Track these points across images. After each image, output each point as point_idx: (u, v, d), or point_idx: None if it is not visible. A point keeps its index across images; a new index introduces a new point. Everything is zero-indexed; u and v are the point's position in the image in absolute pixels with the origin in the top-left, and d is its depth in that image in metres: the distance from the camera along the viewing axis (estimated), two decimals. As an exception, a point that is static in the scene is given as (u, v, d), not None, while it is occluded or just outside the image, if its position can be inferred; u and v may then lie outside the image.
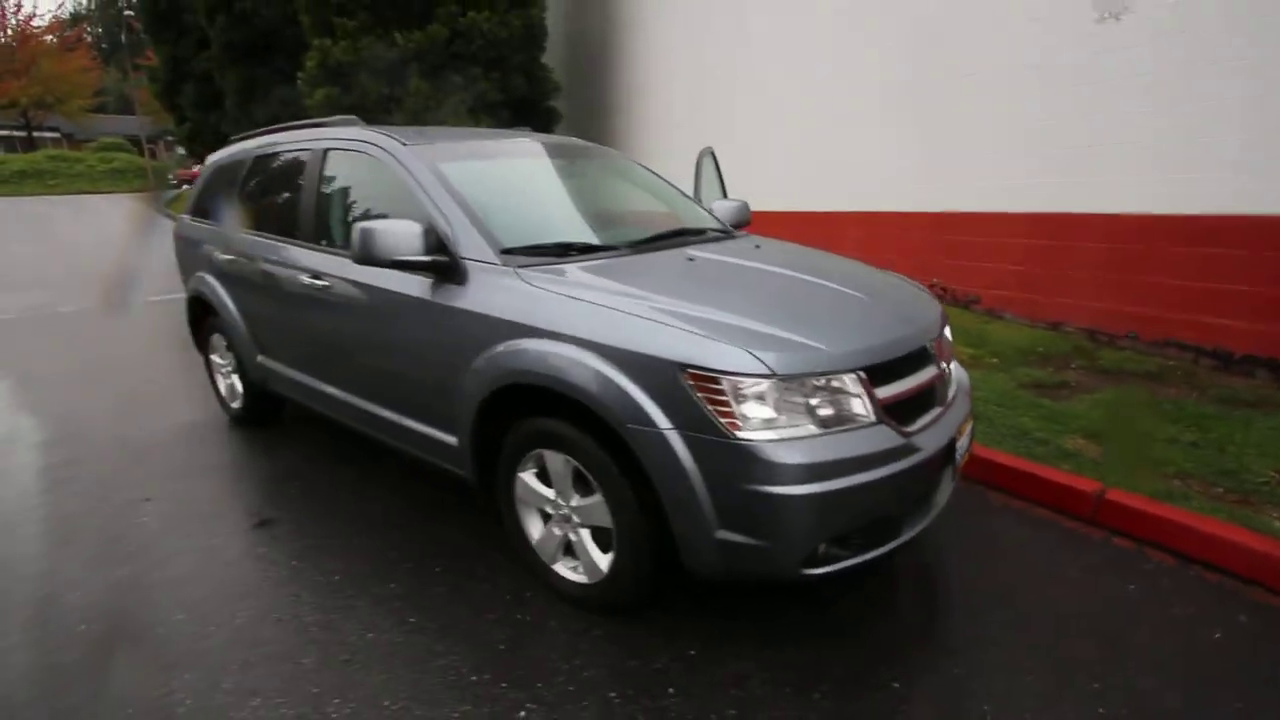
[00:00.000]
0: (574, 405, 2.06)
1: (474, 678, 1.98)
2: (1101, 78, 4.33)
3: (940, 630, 2.19)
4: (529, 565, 2.41)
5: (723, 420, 1.80)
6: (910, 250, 5.62)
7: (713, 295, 2.14)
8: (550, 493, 2.26)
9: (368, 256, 2.34)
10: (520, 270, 2.26)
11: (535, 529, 2.38)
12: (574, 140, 3.54)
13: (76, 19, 46.79)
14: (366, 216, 2.83)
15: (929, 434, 2.05)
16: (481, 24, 9.42)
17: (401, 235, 2.33)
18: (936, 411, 2.15)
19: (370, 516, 2.91)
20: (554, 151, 3.26)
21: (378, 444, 2.93)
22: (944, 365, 2.27)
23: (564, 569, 2.31)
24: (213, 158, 4.09)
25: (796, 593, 2.32)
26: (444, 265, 2.38)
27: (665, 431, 1.85)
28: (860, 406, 1.91)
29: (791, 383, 1.83)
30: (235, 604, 2.33)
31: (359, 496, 3.09)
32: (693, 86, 8.84)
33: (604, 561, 2.15)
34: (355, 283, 2.71)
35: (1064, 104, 4.54)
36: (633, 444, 1.90)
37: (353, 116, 3.17)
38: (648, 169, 3.53)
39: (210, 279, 3.79)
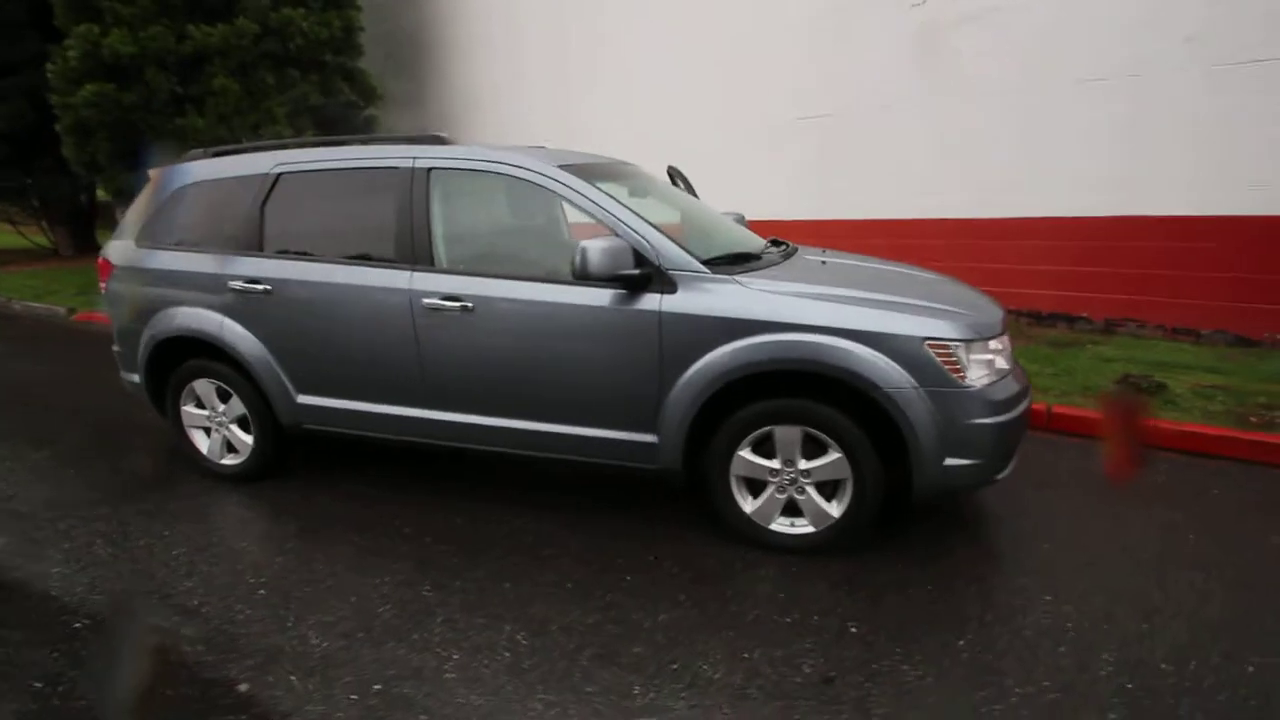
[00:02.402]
0: (810, 382, 2.53)
1: (787, 620, 2.34)
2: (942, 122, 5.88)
3: (1059, 517, 3.03)
4: (741, 532, 2.77)
5: (955, 375, 2.44)
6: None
7: (881, 287, 2.76)
8: (774, 463, 2.66)
9: (587, 273, 2.52)
10: (737, 276, 2.63)
11: (747, 500, 2.75)
12: (616, 158, 3.79)
13: None
14: (519, 235, 2.86)
15: (1023, 379, 2.93)
16: (300, 21, 8.61)
17: (619, 252, 2.54)
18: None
19: (516, 533, 2.94)
20: (623, 171, 3.50)
21: (481, 458, 2.97)
22: (1003, 328, 3.19)
23: (781, 526, 2.73)
24: (179, 175, 3.46)
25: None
26: (647, 277, 2.62)
27: (913, 389, 2.43)
28: (1004, 360, 2.70)
29: (987, 343, 2.54)
30: (508, 623, 2.31)
31: (474, 519, 3.07)
32: (520, 96, 9.09)
33: (834, 509, 2.64)
34: (526, 301, 2.76)
35: (908, 142, 6.02)
36: (887, 404, 2.44)
37: (443, 134, 3.08)
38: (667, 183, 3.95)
39: (210, 315, 3.26)
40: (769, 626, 2.31)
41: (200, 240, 3.35)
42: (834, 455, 2.58)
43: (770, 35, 6.81)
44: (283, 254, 3.17)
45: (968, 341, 2.49)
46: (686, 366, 2.61)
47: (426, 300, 2.88)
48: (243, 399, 3.35)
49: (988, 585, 2.54)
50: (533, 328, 2.79)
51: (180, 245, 3.39)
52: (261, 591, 2.59)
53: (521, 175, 2.85)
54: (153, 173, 3.57)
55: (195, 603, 2.53)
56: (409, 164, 2.99)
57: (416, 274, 2.91)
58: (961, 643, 2.21)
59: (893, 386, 2.43)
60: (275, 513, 3.24)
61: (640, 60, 7.82)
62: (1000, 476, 2.65)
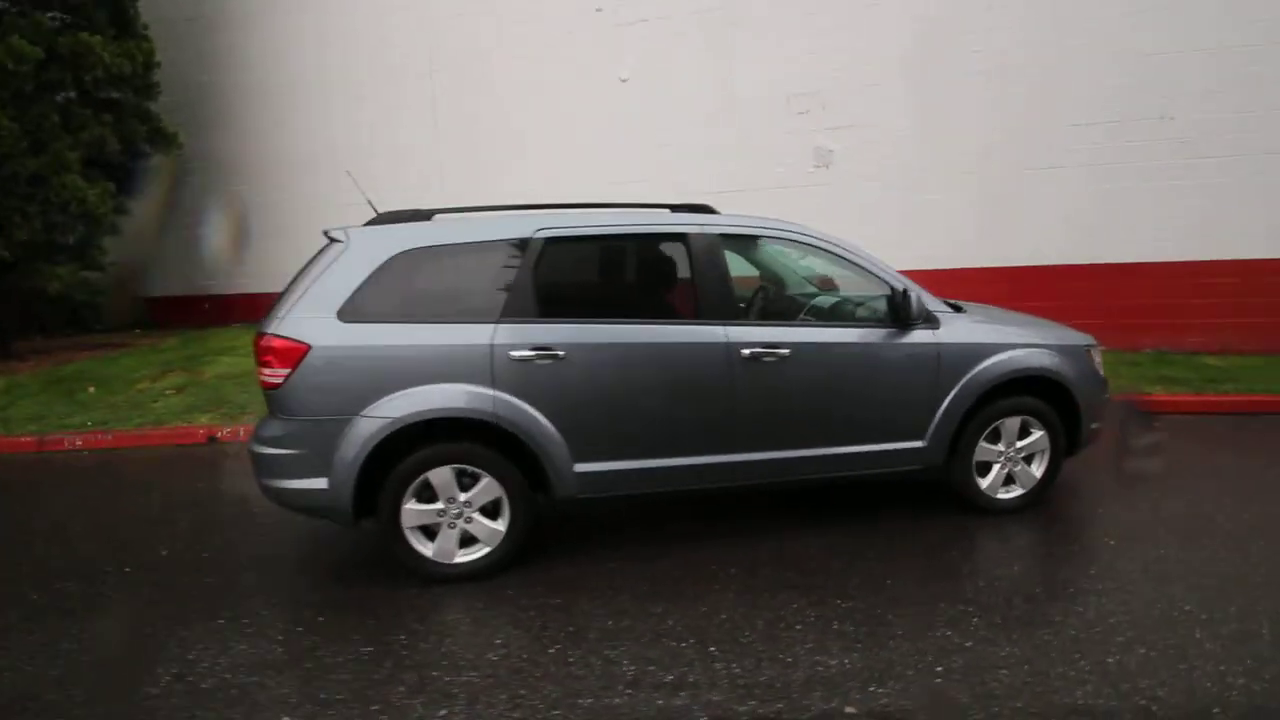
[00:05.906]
0: (1032, 385, 3.57)
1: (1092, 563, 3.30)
2: (830, 201, 7.65)
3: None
4: (977, 504, 3.63)
5: (1098, 369, 3.75)
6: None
7: (1026, 320, 3.95)
8: (1000, 446, 3.61)
9: (912, 317, 3.25)
10: (964, 315, 3.57)
11: (982, 477, 3.64)
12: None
13: None
14: (813, 292, 3.34)
15: None
16: (100, 50, 7.05)
17: (921, 298, 3.29)
18: None
19: (832, 554, 3.31)
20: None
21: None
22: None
23: (1003, 494, 3.68)
24: (389, 240, 2.99)
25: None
26: (928, 318, 3.41)
27: (1083, 381, 3.65)
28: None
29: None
30: (976, 615, 2.79)
31: (779, 550, 3.35)
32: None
33: (1038, 471, 3.69)
34: (833, 344, 3.33)
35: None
36: (1075, 391, 3.60)
37: (708, 204, 3.38)
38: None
39: (477, 389, 2.96)
40: (1094, 566, 3.17)
41: (446, 311, 3.00)
42: (1038, 434, 3.64)
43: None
44: (567, 318, 3.08)
45: (1097, 347, 3.84)
46: (955, 383, 3.43)
47: (745, 350, 3.17)
48: (502, 480, 3.05)
49: (1170, 508, 3.81)
50: (840, 365, 3.32)
51: (414, 318, 2.98)
52: (735, 667, 2.53)
53: (802, 241, 3.40)
54: (340, 236, 3.03)
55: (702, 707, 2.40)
56: (698, 229, 3.25)
57: (731, 328, 3.19)
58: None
59: (1077, 380, 3.63)
60: (583, 596, 2.98)
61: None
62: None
